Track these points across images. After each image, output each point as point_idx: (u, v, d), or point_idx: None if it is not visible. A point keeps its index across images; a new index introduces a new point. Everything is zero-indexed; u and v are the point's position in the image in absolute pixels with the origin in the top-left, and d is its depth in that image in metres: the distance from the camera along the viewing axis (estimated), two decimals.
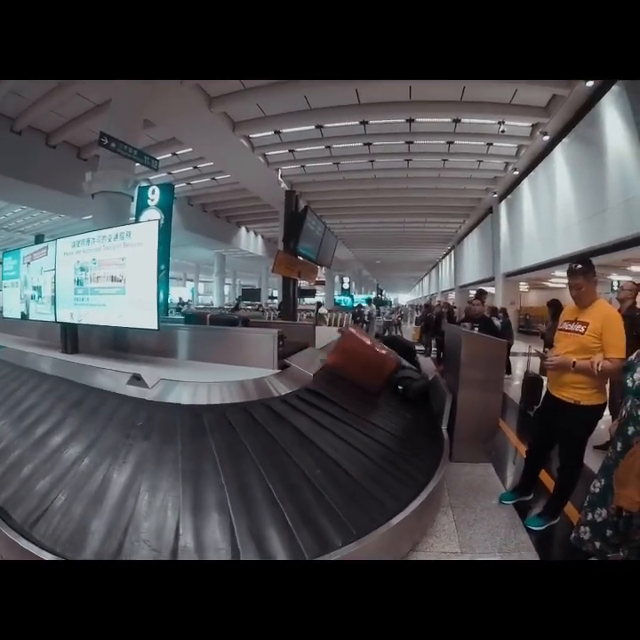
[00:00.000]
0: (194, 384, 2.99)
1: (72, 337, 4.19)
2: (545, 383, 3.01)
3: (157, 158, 8.29)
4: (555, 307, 5.51)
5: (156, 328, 3.26)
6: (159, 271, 3.32)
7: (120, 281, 3.51)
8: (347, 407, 3.48)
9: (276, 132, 11.43)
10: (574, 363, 2.53)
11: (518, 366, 8.28)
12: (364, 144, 12.19)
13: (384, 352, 4.14)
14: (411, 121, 10.61)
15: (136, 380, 3.14)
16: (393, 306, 34.50)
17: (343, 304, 26.11)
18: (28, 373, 3.82)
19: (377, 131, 11.37)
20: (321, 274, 22.50)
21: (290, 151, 12.70)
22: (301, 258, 7.34)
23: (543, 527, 2.76)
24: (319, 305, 15.67)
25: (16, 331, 5.57)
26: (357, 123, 10.85)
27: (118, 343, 4.31)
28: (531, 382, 5.54)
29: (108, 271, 3.62)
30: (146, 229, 3.45)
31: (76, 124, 10.69)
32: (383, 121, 10.78)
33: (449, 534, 2.69)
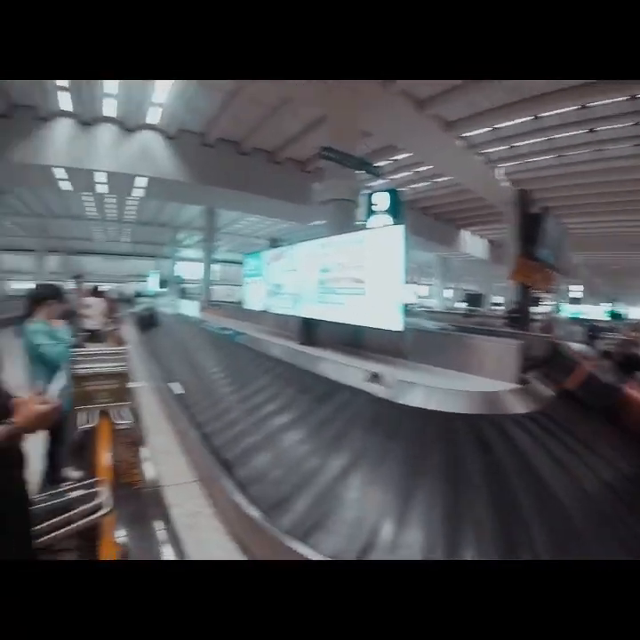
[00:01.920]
0: (433, 388, 2.94)
1: (311, 330, 4.71)
2: None
3: (377, 165, 8.73)
4: None
5: (401, 329, 3.35)
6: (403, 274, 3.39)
7: (361, 282, 3.73)
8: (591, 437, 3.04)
9: (493, 128, 10.89)
10: None
11: None
12: (589, 131, 10.58)
13: None
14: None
15: (374, 377, 3.27)
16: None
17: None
18: (271, 361, 4.40)
19: (600, 113, 9.68)
20: None
21: (511, 147, 11.96)
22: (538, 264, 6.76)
23: None
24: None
25: (254, 319, 6.67)
26: (577, 107, 9.49)
27: (353, 340, 4.55)
28: None
29: (349, 273, 3.89)
30: (390, 234, 3.55)
31: (294, 142, 12.13)
32: (606, 101, 9.07)
33: None
